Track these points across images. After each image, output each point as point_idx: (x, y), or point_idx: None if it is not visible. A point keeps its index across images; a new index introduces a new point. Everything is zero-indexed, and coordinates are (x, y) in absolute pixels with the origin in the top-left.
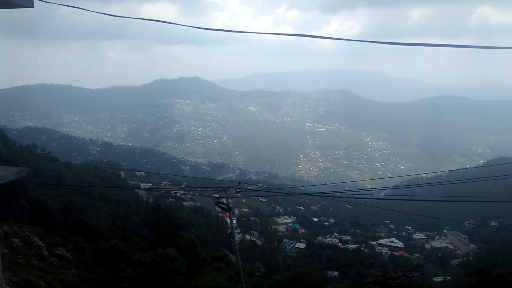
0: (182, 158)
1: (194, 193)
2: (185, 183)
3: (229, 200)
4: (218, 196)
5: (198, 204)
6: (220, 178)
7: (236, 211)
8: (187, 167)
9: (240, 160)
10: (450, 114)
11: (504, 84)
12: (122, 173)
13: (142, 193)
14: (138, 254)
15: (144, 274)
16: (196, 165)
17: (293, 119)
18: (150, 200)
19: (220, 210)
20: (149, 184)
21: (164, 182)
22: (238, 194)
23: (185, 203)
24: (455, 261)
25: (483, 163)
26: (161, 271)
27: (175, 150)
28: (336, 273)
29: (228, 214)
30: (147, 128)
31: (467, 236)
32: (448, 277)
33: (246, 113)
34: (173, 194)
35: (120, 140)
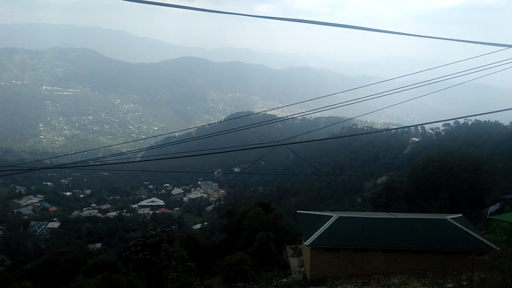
0: None
1: None
2: None
3: None
4: None
5: None
6: None
7: None
8: None
9: None
10: (194, 75)
11: (234, 47)
12: None
13: None
14: None
15: None
16: None
17: (25, 82)
18: None
19: None
20: None
21: None
22: None
23: None
24: (210, 207)
25: (224, 118)
26: None
27: None
28: (99, 245)
29: None
30: None
31: (217, 184)
32: (205, 223)
33: None
34: None
35: None
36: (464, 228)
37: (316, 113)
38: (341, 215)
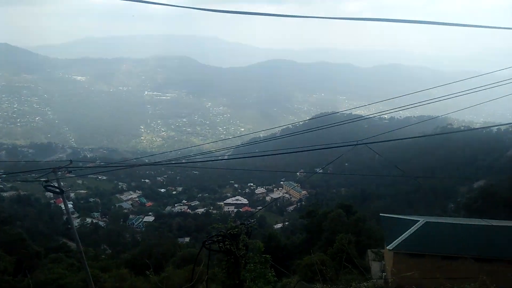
0: None
1: (15, 180)
2: (1, 171)
3: (61, 182)
4: (47, 179)
5: (22, 193)
6: (48, 160)
7: (72, 194)
8: (3, 151)
9: (71, 138)
10: (280, 77)
11: (321, 47)
12: None
13: None
14: None
15: None
16: (15, 148)
17: (130, 88)
18: None
19: (52, 195)
20: None
21: None
22: (71, 174)
23: (4, 194)
24: (291, 208)
25: (308, 119)
26: None
27: None
28: (187, 239)
29: (61, 198)
30: None
31: (299, 184)
32: (286, 223)
33: (73, 84)
34: None
35: None
36: None
37: (406, 112)
38: (428, 220)
